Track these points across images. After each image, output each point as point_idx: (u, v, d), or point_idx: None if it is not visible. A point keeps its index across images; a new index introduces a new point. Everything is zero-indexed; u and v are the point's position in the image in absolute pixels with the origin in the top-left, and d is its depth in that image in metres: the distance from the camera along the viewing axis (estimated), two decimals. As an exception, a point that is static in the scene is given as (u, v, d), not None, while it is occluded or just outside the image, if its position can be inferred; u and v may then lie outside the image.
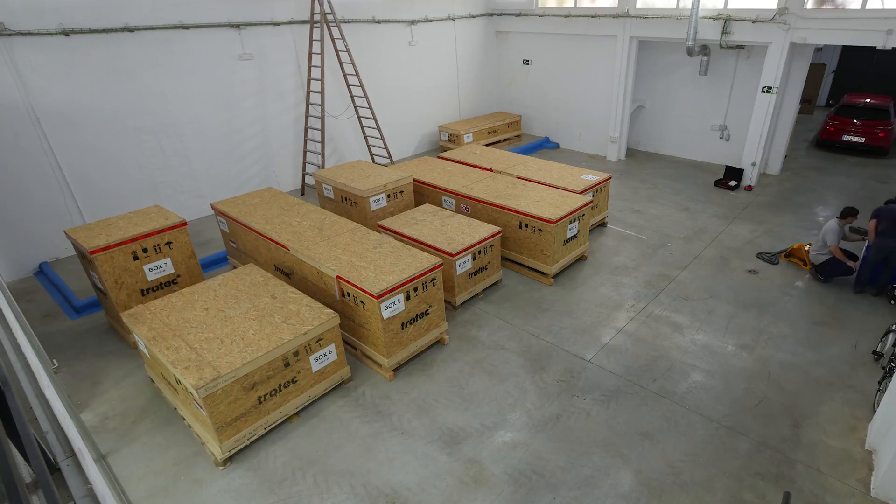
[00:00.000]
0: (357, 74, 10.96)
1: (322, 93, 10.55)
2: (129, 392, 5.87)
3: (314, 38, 10.56)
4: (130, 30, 8.64)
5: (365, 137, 12.03)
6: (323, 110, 10.63)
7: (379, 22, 12.10)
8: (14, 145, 7.90)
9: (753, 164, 11.16)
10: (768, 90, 10.59)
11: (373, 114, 11.46)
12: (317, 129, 11.12)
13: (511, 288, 7.75)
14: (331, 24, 10.47)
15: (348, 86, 11.25)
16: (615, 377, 5.93)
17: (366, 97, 11.25)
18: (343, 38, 10.67)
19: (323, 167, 10.97)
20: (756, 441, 5.05)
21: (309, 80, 10.87)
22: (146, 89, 9.05)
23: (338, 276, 5.87)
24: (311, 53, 10.71)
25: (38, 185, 8.22)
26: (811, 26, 9.76)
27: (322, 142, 10.81)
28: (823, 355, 6.19)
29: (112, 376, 6.11)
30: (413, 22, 12.87)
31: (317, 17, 10.36)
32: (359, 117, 11.67)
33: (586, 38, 13.10)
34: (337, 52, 10.77)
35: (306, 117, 11.09)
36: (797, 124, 13.91)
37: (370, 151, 12.29)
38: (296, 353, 5.14)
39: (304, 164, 11.43)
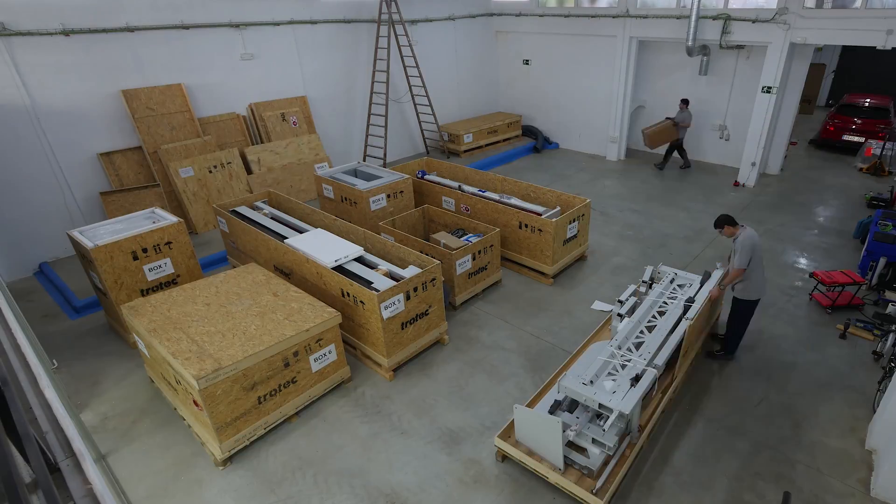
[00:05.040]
0: (417, 66, 12.32)
1: (387, 83, 11.82)
2: (129, 392, 5.87)
3: (381, 34, 11.88)
4: (130, 30, 8.64)
5: (419, 123, 13.42)
6: (387, 98, 11.87)
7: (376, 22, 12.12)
8: (14, 145, 7.90)
9: (753, 164, 11.16)
10: (768, 90, 10.59)
11: (425, 101, 12.93)
12: (380, 115, 12.02)
13: (511, 288, 7.75)
14: (395, 24, 11.73)
15: (407, 77, 12.59)
16: (615, 377, 5.93)
17: (423, 86, 12.67)
18: (407, 35, 11.89)
19: (385, 156, 12.11)
20: (756, 441, 5.05)
21: (374, 72, 11.97)
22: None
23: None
24: (377, 48, 11.90)
25: (38, 185, 8.22)
26: (811, 26, 9.76)
27: (385, 126, 11.86)
28: (823, 355, 6.19)
29: (112, 376, 6.11)
30: (413, 22, 12.88)
31: (384, 17, 11.66)
32: (415, 105, 13.03)
33: (586, 38, 13.10)
34: (399, 47, 12.13)
35: (370, 104, 12.23)
36: (797, 124, 13.90)
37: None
38: (296, 353, 5.14)
39: (366, 146, 12.57)
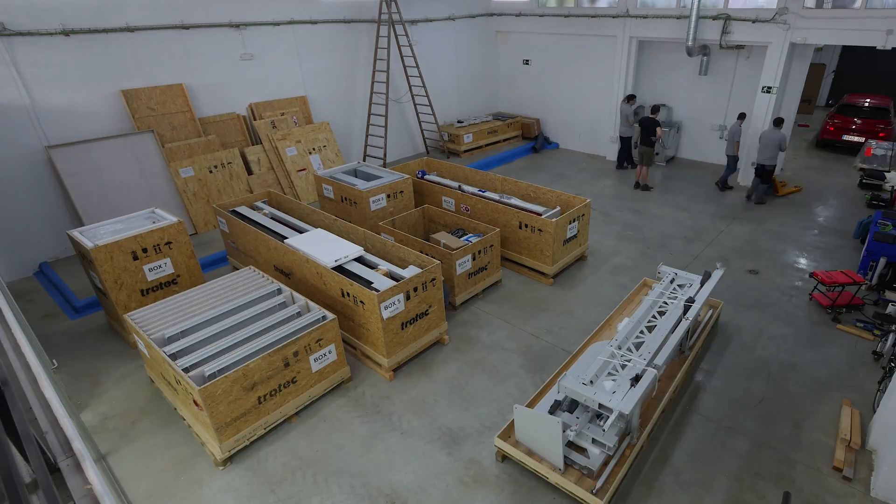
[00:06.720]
0: (417, 66, 12.34)
1: (387, 83, 11.86)
2: (128, 392, 5.87)
3: (381, 34, 11.90)
4: (130, 30, 8.65)
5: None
6: (387, 98, 11.90)
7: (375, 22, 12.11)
8: (14, 145, 7.91)
9: (753, 164, 11.16)
10: (768, 90, 10.59)
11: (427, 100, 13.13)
12: (381, 115, 12.07)
13: (511, 288, 7.75)
14: (395, 24, 11.77)
15: (407, 77, 12.61)
16: (615, 377, 5.93)
17: (423, 86, 12.68)
18: (407, 35, 11.90)
19: (385, 155, 12.12)
20: (756, 441, 5.05)
21: (374, 72, 11.99)
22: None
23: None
24: (377, 48, 11.89)
25: (37, 186, 8.22)
26: (811, 26, 9.76)
27: (385, 126, 11.89)
28: (823, 355, 6.19)
29: (112, 376, 6.11)
30: (413, 22, 12.88)
31: (384, 17, 11.68)
32: (415, 105, 13.08)
33: (586, 37, 13.10)
34: (399, 47, 12.18)
35: (370, 104, 12.27)
36: (797, 124, 13.89)
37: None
38: (296, 354, 5.14)
39: (366, 146, 12.61)
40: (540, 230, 7.50)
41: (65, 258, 8.70)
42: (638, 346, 5.03)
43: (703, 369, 6.02)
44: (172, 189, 9.40)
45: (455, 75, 14.51)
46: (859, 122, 13.39)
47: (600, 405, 4.30)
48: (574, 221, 7.75)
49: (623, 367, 4.69)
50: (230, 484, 4.74)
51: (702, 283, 6.04)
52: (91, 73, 8.44)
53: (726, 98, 12.09)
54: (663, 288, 6.01)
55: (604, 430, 4.25)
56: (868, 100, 14.17)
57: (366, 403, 5.64)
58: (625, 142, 12.49)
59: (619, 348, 4.94)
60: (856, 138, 13.36)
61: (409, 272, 6.04)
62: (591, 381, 4.47)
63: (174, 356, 5.01)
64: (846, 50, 17.89)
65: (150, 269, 6.39)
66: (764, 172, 10.18)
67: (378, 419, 5.42)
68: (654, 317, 5.52)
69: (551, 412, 4.59)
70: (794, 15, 9.82)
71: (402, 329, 5.89)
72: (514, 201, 8.16)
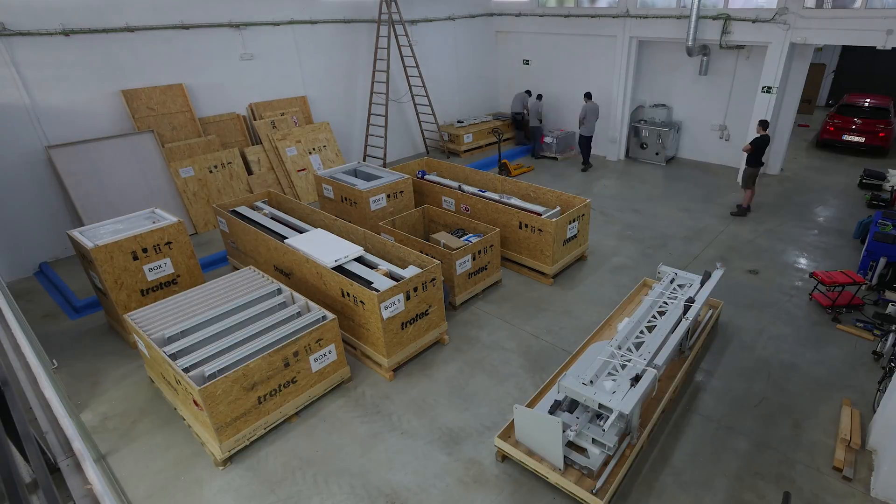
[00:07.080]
0: (417, 66, 12.38)
1: (387, 83, 11.89)
2: (128, 392, 5.87)
3: (381, 34, 11.92)
4: (130, 30, 8.65)
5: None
6: (387, 98, 11.93)
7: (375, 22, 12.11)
8: (14, 145, 7.91)
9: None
10: (768, 90, 10.59)
11: (426, 100, 13.09)
12: (381, 115, 12.09)
13: (511, 288, 7.75)
14: (395, 24, 11.81)
15: (407, 77, 12.66)
16: (615, 377, 5.92)
17: (423, 86, 12.71)
18: (407, 35, 11.94)
19: (385, 155, 12.15)
20: (756, 441, 5.05)
21: (374, 72, 12.03)
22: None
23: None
24: (377, 48, 11.92)
25: (37, 186, 8.23)
26: (811, 26, 9.76)
27: (385, 126, 11.92)
28: (823, 355, 6.19)
29: (112, 376, 6.12)
30: (413, 22, 12.88)
31: (384, 17, 11.72)
32: (415, 105, 13.13)
33: (586, 38, 13.10)
34: (399, 47, 12.20)
35: (370, 104, 12.30)
36: (797, 124, 13.88)
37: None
38: (296, 354, 5.14)
39: (366, 146, 12.64)
40: (540, 230, 7.50)
41: (65, 258, 8.70)
42: (638, 346, 5.03)
43: (703, 369, 6.02)
44: (172, 189, 9.40)
45: (455, 75, 14.51)
46: (859, 122, 13.38)
47: (600, 405, 4.30)
48: (574, 221, 7.75)
49: (623, 367, 4.69)
50: (230, 484, 4.74)
51: (702, 283, 6.04)
52: (91, 73, 8.45)
53: (726, 98, 12.09)
54: (663, 288, 6.01)
55: (604, 430, 4.25)
56: (868, 100, 14.16)
57: (366, 403, 5.64)
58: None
59: (619, 348, 4.94)
60: (856, 138, 13.36)
61: (409, 272, 6.04)
62: (591, 381, 4.47)
63: (174, 356, 5.01)
64: (846, 50, 17.88)
65: (150, 269, 6.39)
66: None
67: (378, 419, 5.42)
68: (654, 317, 5.52)
69: (551, 412, 4.59)
70: (794, 15, 9.82)
71: (402, 329, 5.89)
72: (514, 201, 8.16)
